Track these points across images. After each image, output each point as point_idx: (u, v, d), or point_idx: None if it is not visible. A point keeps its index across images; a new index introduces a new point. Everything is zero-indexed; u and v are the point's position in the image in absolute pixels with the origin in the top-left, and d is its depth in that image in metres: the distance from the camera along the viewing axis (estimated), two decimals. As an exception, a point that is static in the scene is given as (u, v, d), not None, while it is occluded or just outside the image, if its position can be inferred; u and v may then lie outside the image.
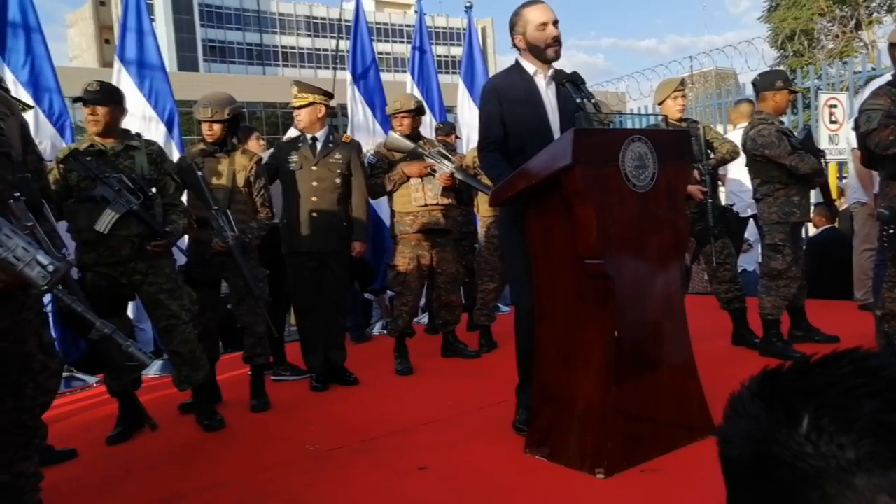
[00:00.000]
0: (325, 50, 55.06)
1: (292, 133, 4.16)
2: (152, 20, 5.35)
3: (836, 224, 5.70)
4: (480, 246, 4.70)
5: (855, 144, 3.94)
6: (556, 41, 2.75)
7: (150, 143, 3.28)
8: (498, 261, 4.42)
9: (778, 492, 0.43)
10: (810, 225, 5.44)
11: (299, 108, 3.87)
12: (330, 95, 4.00)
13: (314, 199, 3.84)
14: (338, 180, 3.89)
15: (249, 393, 3.61)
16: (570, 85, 2.67)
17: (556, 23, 2.75)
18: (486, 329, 4.61)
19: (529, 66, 2.81)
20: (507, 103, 2.76)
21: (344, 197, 3.93)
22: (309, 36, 55.33)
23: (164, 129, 4.85)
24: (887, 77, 3.58)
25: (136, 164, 3.11)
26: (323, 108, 3.90)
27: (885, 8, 15.89)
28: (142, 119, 4.77)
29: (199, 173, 3.40)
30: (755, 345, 3.96)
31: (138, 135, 3.28)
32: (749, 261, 6.30)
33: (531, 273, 2.67)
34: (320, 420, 3.37)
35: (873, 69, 7.41)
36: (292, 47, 54.94)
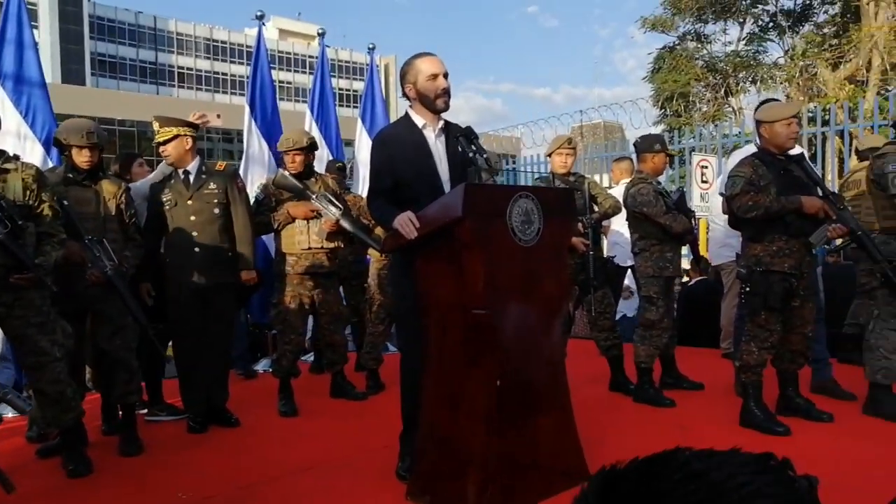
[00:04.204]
0: (224, 74, 53.76)
1: (163, 170, 3.97)
2: (35, 27, 5.05)
3: (706, 276, 6.14)
4: (370, 287, 4.69)
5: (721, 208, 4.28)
6: (446, 92, 2.83)
7: (27, 166, 3.04)
8: (388, 301, 4.42)
9: None
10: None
11: (165, 142, 3.75)
12: (194, 126, 3.87)
13: (194, 234, 3.72)
14: (216, 210, 3.78)
15: (119, 435, 3.41)
16: (463, 139, 2.76)
17: (446, 75, 2.84)
18: (374, 371, 4.59)
19: (419, 119, 2.88)
20: (398, 154, 2.81)
21: (226, 227, 3.82)
22: (207, 58, 53.85)
23: (40, 149, 4.56)
24: (751, 148, 3.94)
25: (9, 189, 2.90)
26: (190, 140, 3.78)
27: (750, 79, 17.51)
28: (16, 138, 4.48)
29: (65, 202, 3.21)
30: (630, 391, 4.18)
31: (16, 156, 3.05)
32: (630, 307, 6.64)
33: (419, 320, 2.70)
34: (196, 465, 3.22)
35: (739, 132, 8.21)
36: (189, 68, 53.22)
